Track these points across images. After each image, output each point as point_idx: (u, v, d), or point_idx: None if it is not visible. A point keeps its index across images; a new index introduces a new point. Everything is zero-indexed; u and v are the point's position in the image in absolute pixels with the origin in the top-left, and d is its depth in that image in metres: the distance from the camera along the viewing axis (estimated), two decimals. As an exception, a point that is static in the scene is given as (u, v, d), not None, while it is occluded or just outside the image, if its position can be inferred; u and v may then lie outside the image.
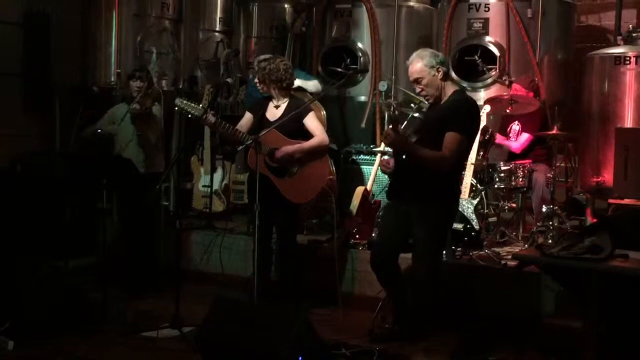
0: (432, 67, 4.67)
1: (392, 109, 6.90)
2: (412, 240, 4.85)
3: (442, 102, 4.76)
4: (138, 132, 5.98)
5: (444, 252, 5.36)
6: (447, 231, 5.09)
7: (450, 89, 4.75)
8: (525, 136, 6.49)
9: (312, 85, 6.98)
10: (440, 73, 4.68)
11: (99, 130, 6.12)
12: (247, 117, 5.62)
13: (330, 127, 6.76)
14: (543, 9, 6.91)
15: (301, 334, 4.10)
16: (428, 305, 4.92)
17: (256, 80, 5.64)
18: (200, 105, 5.39)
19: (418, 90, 4.78)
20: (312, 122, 5.51)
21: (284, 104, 5.55)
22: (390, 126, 5.09)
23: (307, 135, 5.52)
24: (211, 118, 5.35)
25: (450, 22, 7.14)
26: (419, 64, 4.70)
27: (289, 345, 4.02)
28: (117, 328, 5.20)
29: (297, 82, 6.51)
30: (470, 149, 4.99)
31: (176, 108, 5.44)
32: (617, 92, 6.27)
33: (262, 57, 5.62)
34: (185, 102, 5.38)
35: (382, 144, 6.59)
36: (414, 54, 4.82)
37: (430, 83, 4.70)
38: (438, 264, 4.90)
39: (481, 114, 5.84)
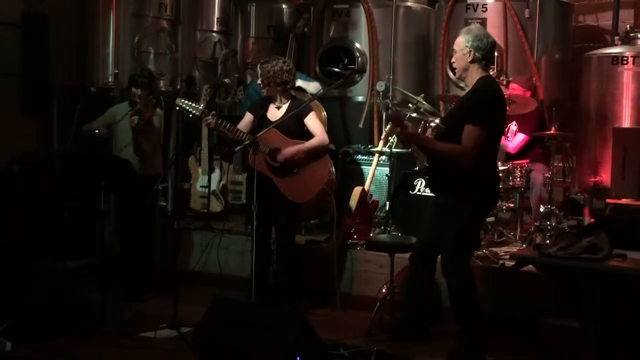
0: (466, 47, 4.67)
1: (387, 108, 6.90)
2: (442, 233, 4.80)
3: (467, 90, 4.77)
4: (135, 142, 5.96)
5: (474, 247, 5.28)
6: (475, 226, 4.99)
7: (476, 75, 4.71)
8: (520, 137, 6.48)
9: (313, 86, 7.00)
10: (470, 56, 4.67)
11: (97, 131, 6.10)
12: (248, 118, 5.62)
13: (329, 127, 6.77)
14: (540, 9, 6.91)
15: (299, 334, 4.10)
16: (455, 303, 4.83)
17: (259, 81, 5.63)
18: (201, 106, 5.41)
19: (452, 60, 4.84)
20: (312, 122, 5.52)
21: (285, 105, 5.56)
22: (391, 126, 5.06)
23: (308, 135, 5.53)
24: (211, 117, 5.36)
25: (448, 22, 7.15)
26: (461, 38, 4.73)
27: (287, 345, 4.02)
28: (116, 329, 5.20)
29: (299, 83, 6.52)
30: (497, 139, 4.84)
31: (177, 108, 5.46)
32: (614, 92, 6.27)
33: (263, 60, 5.63)
34: (185, 101, 5.41)
35: (380, 144, 6.61)
36: (467, 27, 4.89)
37: (458, 59, 4.74)
38: (463, 260, 4.81)
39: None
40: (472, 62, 4.68)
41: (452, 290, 4.80)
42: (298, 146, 5.45)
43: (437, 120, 4.98)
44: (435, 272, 5.03)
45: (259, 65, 5.61)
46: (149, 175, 5.93)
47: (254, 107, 5.68)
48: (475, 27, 4.93)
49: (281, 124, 5.37)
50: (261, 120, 5.53)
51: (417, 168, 6.13)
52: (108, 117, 6.18)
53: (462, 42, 4.69)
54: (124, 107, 6.15)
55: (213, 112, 5.49)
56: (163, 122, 6.22)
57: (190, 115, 5.41)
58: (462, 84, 4.86)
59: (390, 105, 6.85)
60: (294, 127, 5.47)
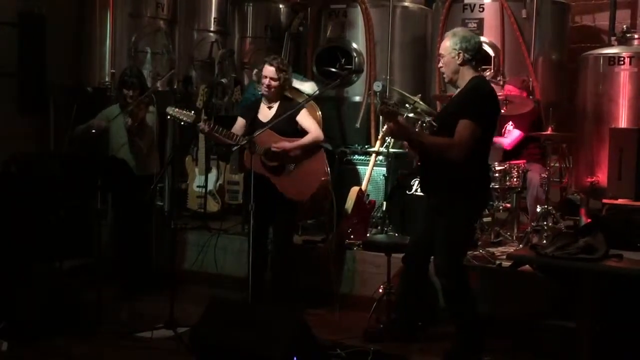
0: (454, 49, 4.62)
1: (381, 104, 6.90)
2: (435, 231, 4.76)
3: (460, 89, 4.73)
4: (131, 142, 5.95)
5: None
6: (469, 224, 4.93)
7: (468, 75, 4.67)
8: (516, 132, 6.47)
9: (308, 86, 6.99)
10: (460, 58, 4.62)
11: (93, 131, 6.08)
12: (240, 123, 5.63)
13: (325, 127, 6.76)
14: (537, 9, 6.91)
15: (296, 334, 4.10)
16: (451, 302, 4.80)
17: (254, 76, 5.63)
18: (193, 112, 5.36)
19: (439, 65, 4.78)
20: (305, 119, 5.54)
21: (276, 105, 5.57)
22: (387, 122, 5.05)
23: (302, 133, 5.54)
24: (205, 126, 5.34)
25: (445, 22, 7.14)
26: (447, 42, 4.68)
27: (284, 345, 4.02)
28: (112, 329, 5.20)
29: (294, 84, 6.53)
30: (490, 138, 4.80)
31: (168, 117, 5.41)
32: (611, 92, 6.29)
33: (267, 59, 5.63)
34: (176, 110, 5.37)
35: (377, 144, 6.61)
36: (450, 31, 4.82)
37: (447, 63, 4.67)
38: (457, 261, 4.75)
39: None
40: (462, 64, 4.65)
41: (447, 291, 4.79)
42: (294, 142, 5.46)
43: (429, 118, 4.96)
44: (429, 272, 5.03)
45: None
46: (145, 175, 5.92)
47: (245, 112, 5.70)
48: (459, 29, 4.90)
49: (275, 125, 5.37)
50: (253, 122, 5.54)
51: (413, 168, 6.15)
52: (100, 117, 6.15)
53: (450, 46, 4.64)
54: (115, 109, 6.13)
55: (205, 118, 5.44)
56: (158, 121, 6.20)
57: (182, 123, 5.37)
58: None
59: (385, 101, 6.83)
60: (288, 127, 5.48)
